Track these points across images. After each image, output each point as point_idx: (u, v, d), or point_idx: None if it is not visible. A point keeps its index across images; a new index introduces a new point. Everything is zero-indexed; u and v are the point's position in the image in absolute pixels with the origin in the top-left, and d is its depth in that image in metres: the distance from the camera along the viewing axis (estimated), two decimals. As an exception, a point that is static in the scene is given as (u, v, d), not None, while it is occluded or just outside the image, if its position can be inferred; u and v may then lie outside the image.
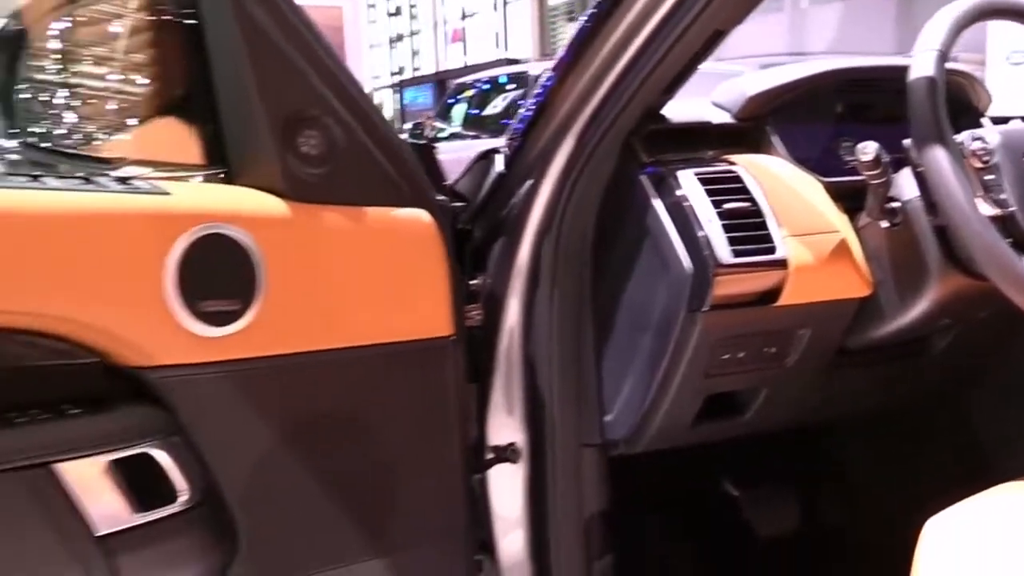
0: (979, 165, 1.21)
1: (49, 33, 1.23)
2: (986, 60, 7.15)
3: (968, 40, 1.24)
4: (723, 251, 1.20)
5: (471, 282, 1.26)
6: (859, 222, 1.31)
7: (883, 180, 1.23)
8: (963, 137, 1.23)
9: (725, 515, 1.79)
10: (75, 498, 0.89)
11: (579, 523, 1.33)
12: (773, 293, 1.24)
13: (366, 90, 1.13)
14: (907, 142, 1.21)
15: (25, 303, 0.86)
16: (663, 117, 1.33)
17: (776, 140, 1.37)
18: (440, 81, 16.81)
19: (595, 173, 1.24)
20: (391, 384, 1.09)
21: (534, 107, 1.25)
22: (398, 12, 19.04)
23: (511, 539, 1.30)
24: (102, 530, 0.90)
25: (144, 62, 1.17)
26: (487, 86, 8.66)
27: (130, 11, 1.19)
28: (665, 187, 1.26)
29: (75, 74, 1.26)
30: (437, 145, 1.26)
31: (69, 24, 1.23)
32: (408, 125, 11.21)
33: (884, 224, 1.27)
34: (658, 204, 1.25)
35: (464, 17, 16.96)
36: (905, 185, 1.25)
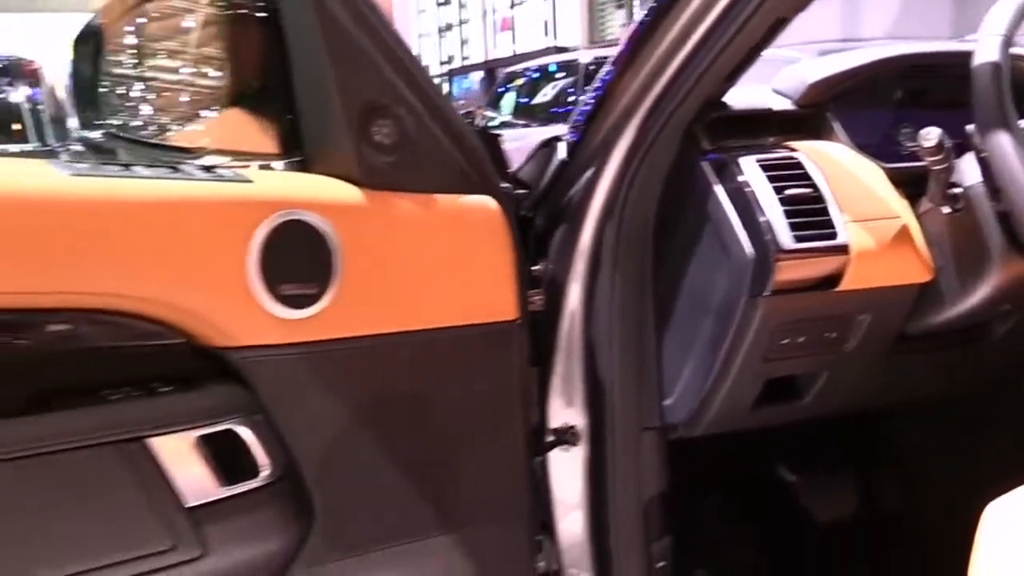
0: None
1: (127, 28, 1.28)
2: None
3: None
4: (785, 236, 1.21)
5: (533, 268, 1.28)
6: (920, 208, 1.31)
7: (945, 166, 1.23)
8: None
9: (782, 500, 1.79)
10: (167, 471, 0.94)
11: (638, 505, 1.34)
12: (834, 278, 1.25)
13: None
14: (970, 128, 1.21)
15: (120, 285, 0.91)
16: (724, 105, 1.33)
17: (837, 126, 1.38)
18: (489, 70, 16.81)
19: (656, 160, 1.26)
20: (459, 366, 1.12)
21: (593, 101, 1.27)
22: (447, 1, 19.04)
23: (570, 520, 1.32)
24: (191, 502, 0.95)
25: (220, 55, 1.21)
26: (537, 74, 8.65)
27: (208, 7, 1.23)
28: (727, 173, 1.27)
29: (152, 68, 1.31)
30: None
31: (145, 20, 1.28)
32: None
33: (946, 210, 1.27)
34: (719, 190, 1.27)
35: (513, 6, 16.91)
36: (967, 171, 1.25)
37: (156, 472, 0.93)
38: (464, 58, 19.01)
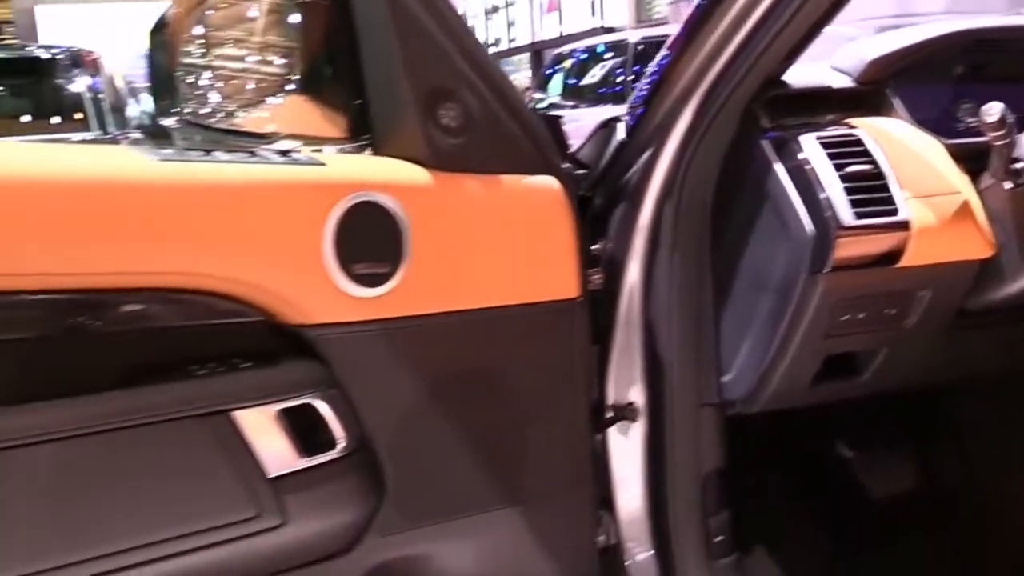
0: None
1: (199, 17, 1.32)
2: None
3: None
4: (845, 213, 1.22)
5: (592, 247, 1.30)
6: (982, 183, 1.31)
7: (1008, 141, 1.22)
8: None
9: (841, 476, 1.79)
10: (250, 442, 0.98)
11: (696, 481, 1.36)
12: (894, 255, 1.25)
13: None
14: None
15: (204, 265, 0.95)
16: (784, 83, 1.34)
17: (897, 103, 1.38)
18: (536, 51, 16.76)
19: (715, 139, 1.27)
20: (523, 343, 1.15)
21: (649, 85, 1.28)
22: (493, -16, 19.01)
23: (629, 496, 1.34)
24: (273, 472, 0.99)
25: (289, 43, 1.24)
26: (585, 55, 8.59)
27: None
28: (787, 151, 1.28)
29: (221, 56, 1.35)
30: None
31: (214, 11, 1.32)
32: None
33: (1008, 185, 1.26)
34: (779, 168, 1.27)
35: (559, -14, 16.82)
36: None
37: (240, 443, 0.97)
38: (511, 40, 18.96)
